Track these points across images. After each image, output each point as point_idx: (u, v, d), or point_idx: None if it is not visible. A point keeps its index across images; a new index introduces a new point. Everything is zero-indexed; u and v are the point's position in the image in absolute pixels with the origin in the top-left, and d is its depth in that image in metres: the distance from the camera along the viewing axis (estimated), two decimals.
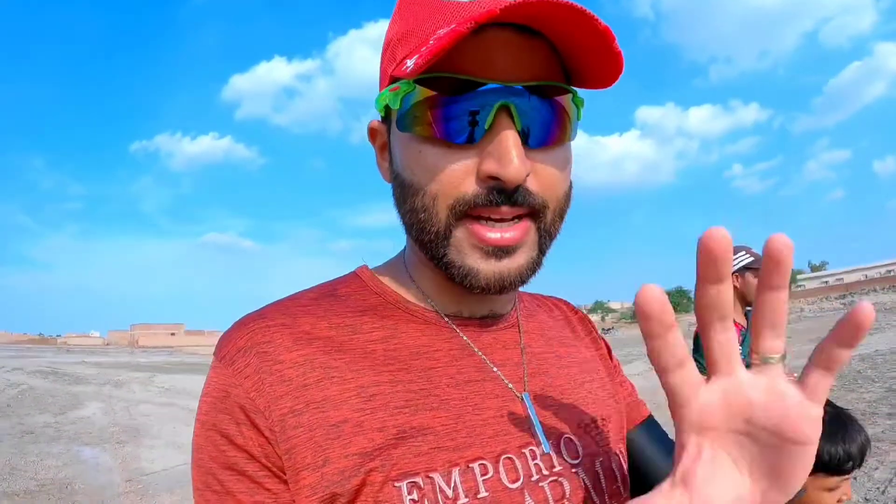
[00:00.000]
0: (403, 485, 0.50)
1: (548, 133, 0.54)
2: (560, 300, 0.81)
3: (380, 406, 0.52)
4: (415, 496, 0.50)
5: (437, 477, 0.51)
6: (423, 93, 0.51)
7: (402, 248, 0.67)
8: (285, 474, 0.51)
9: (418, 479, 0.50)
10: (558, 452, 0.58)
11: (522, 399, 0.59)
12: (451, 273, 0.55)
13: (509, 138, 0.50)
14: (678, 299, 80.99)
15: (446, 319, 0.61)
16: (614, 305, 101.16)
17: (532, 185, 0.53)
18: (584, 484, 0.58)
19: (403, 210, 0.57)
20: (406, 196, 0.56)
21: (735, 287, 2.95)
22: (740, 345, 2.03)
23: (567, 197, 0.58)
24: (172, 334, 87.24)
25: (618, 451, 0.64)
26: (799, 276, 71.13)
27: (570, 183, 0.59)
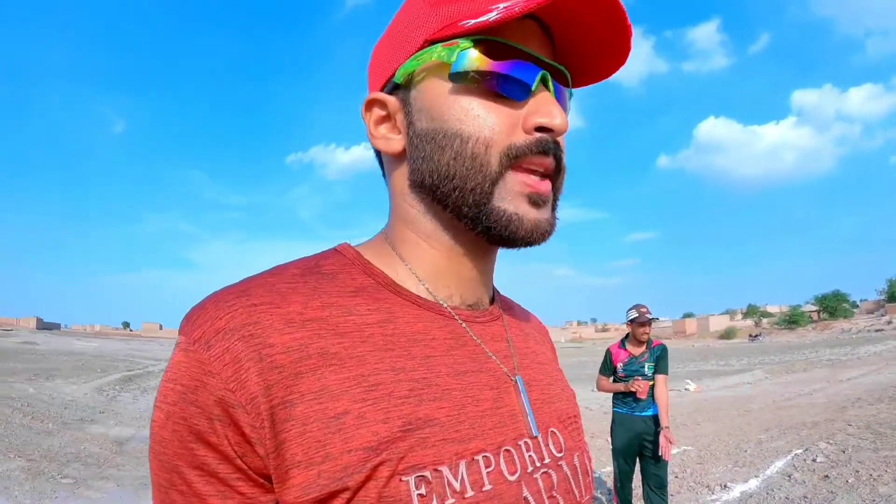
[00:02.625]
0: (411, 479, 0.47)
1: (564, 109, 0.58)
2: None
3: (383, 396, 0.49)
4: (423, 490, 0.47)
5: (444, 470, 0.49)
6: (478, 53, 0.54)
7: (383, 228, 0.65)
8: (264, 476, 0.48)
9: (426, 473, 0.48)
10: (546, 445, 0.58)
11: (516, 382, 0.59)
12: (492, 221, 0.55)
13: (554, 98, 0.56)
14: (835, 303, 71.25)
15: (444, 305, 0.59)
16: (772, 309, 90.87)
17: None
18: (567, 476, 0.59)
19: (440, 162, 0.55)
20: (447, 146, 0.55)
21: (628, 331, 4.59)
22: (642, 363, 3.85)
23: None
24: None
25: (586, 449, 0.66)
26: None
27: None
